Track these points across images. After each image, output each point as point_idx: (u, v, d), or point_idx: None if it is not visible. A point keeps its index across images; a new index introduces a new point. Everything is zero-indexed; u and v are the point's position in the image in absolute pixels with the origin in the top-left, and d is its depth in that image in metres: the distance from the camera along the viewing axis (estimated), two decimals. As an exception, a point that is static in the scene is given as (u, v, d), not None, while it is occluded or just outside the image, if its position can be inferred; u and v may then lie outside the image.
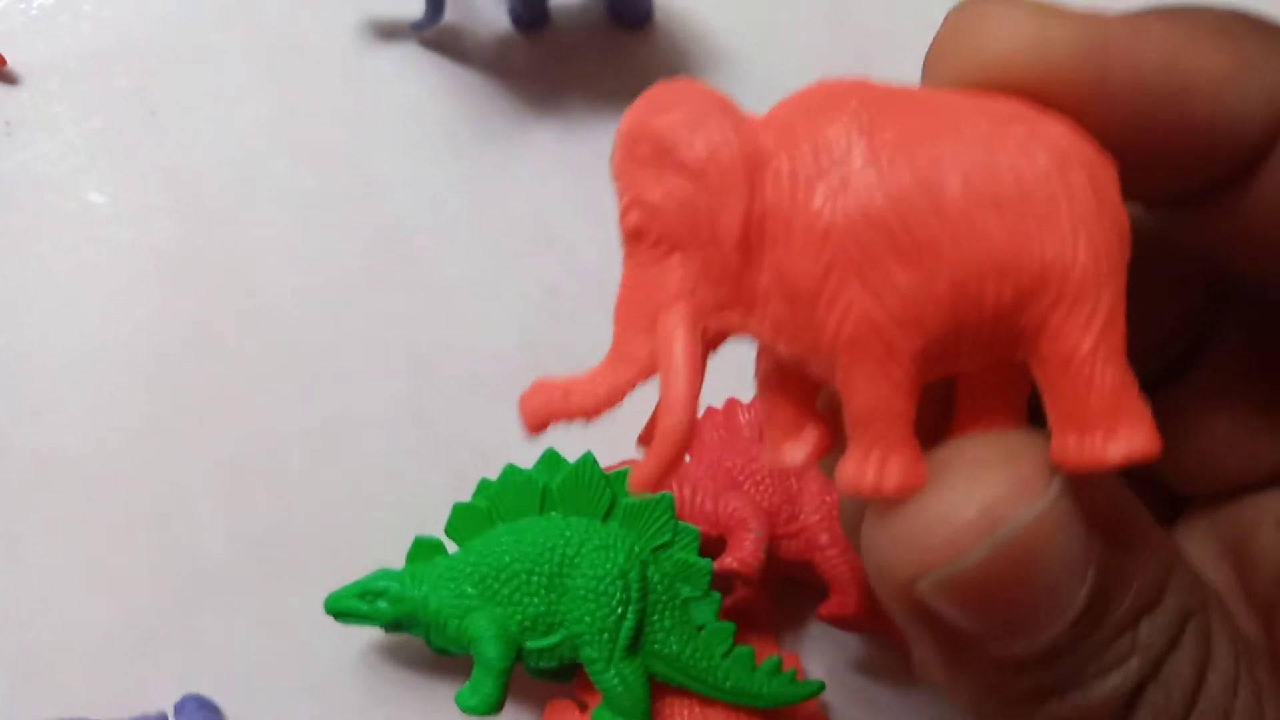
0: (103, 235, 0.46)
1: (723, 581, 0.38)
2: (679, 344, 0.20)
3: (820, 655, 0.39)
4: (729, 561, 0.38)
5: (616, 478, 0.38)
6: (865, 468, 0.20)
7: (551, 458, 0.38)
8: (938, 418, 0.22)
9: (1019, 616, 0.20)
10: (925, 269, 0.19)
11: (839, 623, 0.39)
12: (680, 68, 0.48)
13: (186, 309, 0.45)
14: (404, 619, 0.37)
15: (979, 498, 0.19)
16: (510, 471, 0.38)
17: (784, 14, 0.50)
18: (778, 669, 0.37)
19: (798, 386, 0.22)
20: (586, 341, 0.45)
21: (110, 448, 0.42)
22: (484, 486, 0.38)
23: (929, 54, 0.22)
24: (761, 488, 0.39)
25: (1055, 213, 0.19)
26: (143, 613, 0.40)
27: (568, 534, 0.37)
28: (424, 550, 0.38)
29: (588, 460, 0.38)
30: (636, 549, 0.37)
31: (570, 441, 0.38)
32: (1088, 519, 0.20)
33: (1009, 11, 0.21)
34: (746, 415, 0.41)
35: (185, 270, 0.45)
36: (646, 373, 0.21)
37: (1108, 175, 0.20)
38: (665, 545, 0.37)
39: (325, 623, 0.38)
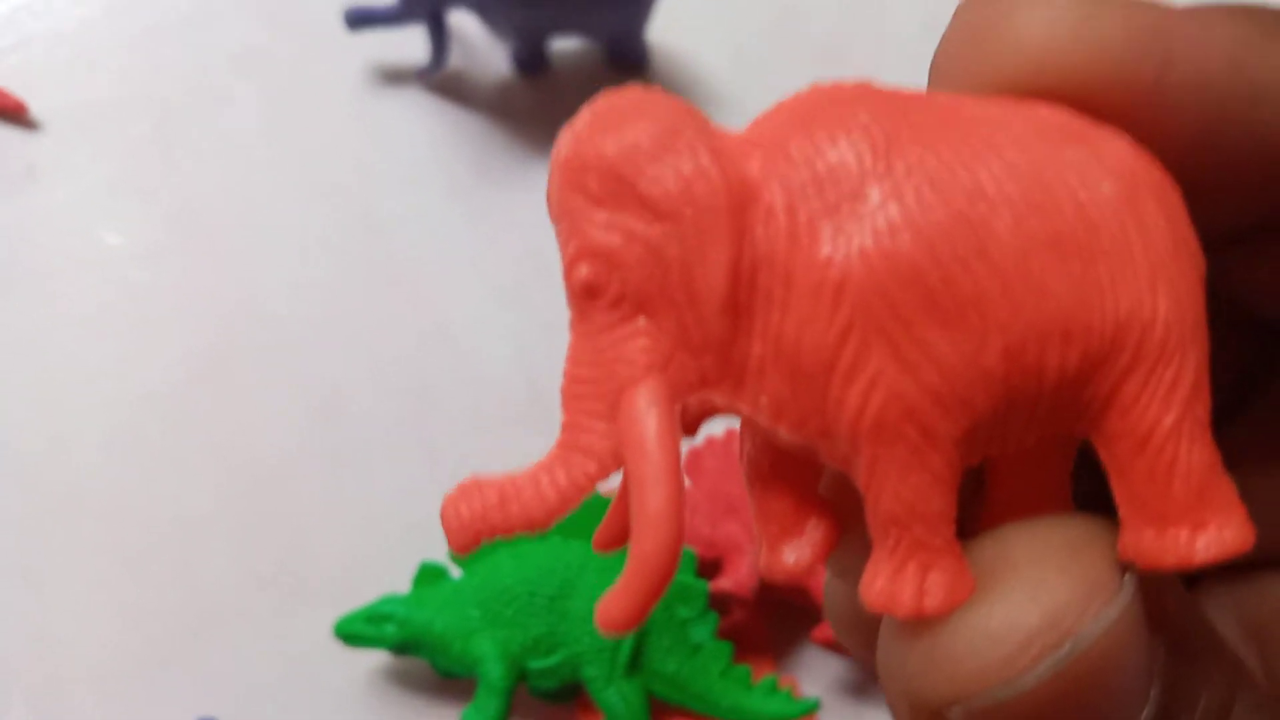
0: (119, 275, 0.47)
1: (719, 603, 0.39)
2: (652, 434, 0.15)
3: (815, 676, 0.40)
4: (725, 584, 0.39)
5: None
6: (900, 585, 0.16)
7: (552, 485, 0.40)
8: (966, 499, 0.17)
9: None
10: (971, 332, 0.15)
11: (833, 645, 0.40)
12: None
13: (199, 345, 0.46)
14: (410, 642, 0.38)
15: (1043, 605, 0.15)
16: (512, 498, 0.39)
17: (776, 55, 0.52)
18: (774, 688, 0.38)
19: (796, 471, 0.18)
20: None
21: (125, 479, 0.44)
22: (486, 513, 0.39)
23: (940, 51, 0.18)
24: (756, 512, 0.40)
25: (1129, 255, 0.16)
26: (157, 639, 0.41)
27: (567, 557, 0.38)
28: (429, 575, 0.39)
29: (587, 486, 0.39)
30: (635, 571, 0.38)
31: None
32: (1152, 625, 0.16)
33: None
34: (741, 442, 0.42)
35: (198, 308, 0.47)
36: (608, 469, 0.16)
37: (1179, 204, 0.16)
38: (663, 568, 0.39)
39: (333, 646, 0.39)
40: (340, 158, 0.49)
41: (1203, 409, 0.16)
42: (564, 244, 0.16)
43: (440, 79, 0.50)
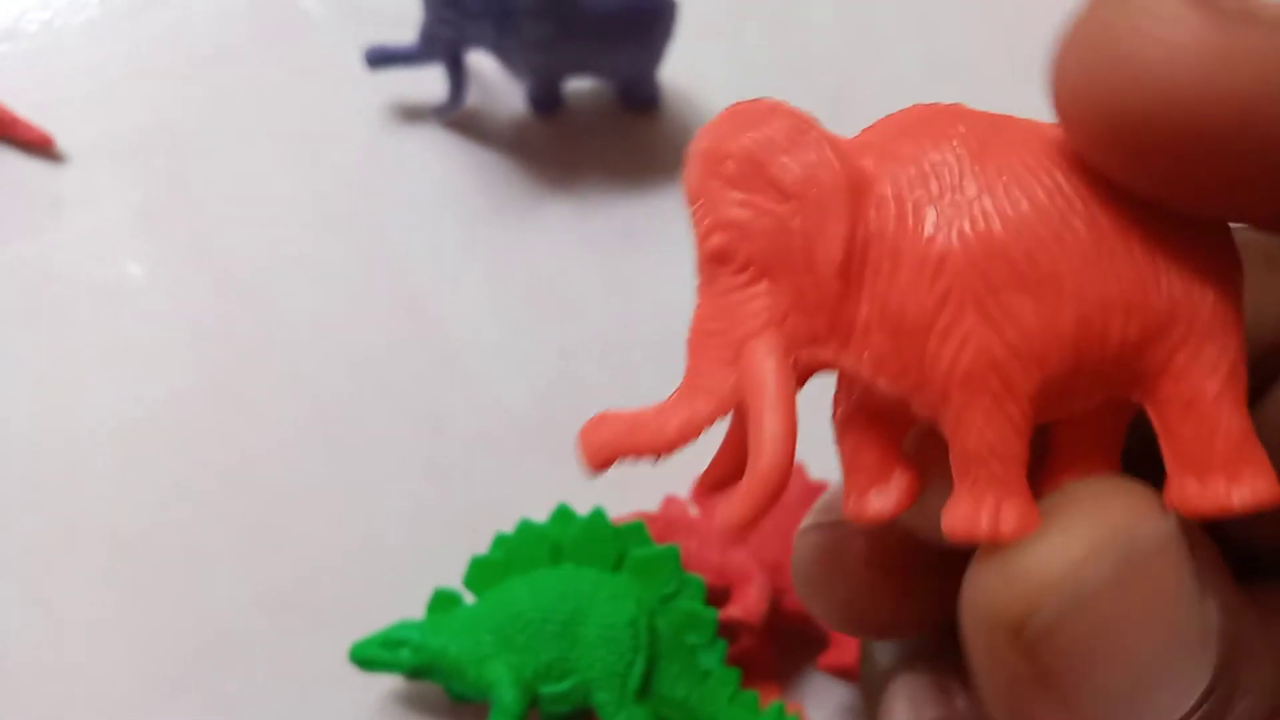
0: (140, 305, 0.48)
1: (728, 630, 0.40)
2: (771, 375, 0.18)
3: (821, 703, 0.41)
4: (734, 611, 0.40)
5: (626, 530, 0.40)
6: (979, 512, 0.18)
7: (564, 512, 0.40)
8: (1032, 467, 0.19)
9: (1143, 665, 0.18)
10: (1049, 302, 0.18)
11: (839, 672, 0.40)
12: (686, 145, 0.51)
13: (217, 374, 0.47)
14: (424, 667, 0.39)
15: (1103, 524, 0.18)
16: (525, 526, 0.40)
17: (783, 95, 0.53)
18: (781, 714, 0.39)
19: (885, 428, 0.20)
20: (596, 402, 0.47)
21: (141, 504, 0.45)
22: (500, 540, 0.40)
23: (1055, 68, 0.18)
24: (766, 542, 0.41)
25: (1182, 249, 0.19)
26: (170, 663, 0.42)
27: (580, 585, 0.39)
28: (443, 602, 0.40)
29: (598, 514, 0.40)
30: (645, 599, 0.39)
31: (581, 496, 0.41)
32: (1203, 580, 0.18)
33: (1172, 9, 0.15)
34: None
35: (216, 337, 0.48)
36: (726, 407, 0.19)
37: (1223, 226, 0.20)
38: (672, 596, 0.39)
39: (348, 672, 0.40)
40: (358, 191, 0.51)
41: (1240, 386, 0.19)
42: (699, 220, 0.19)
43: (457, 117, 0.52)
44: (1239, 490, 0.18)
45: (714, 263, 0.19)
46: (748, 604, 0.40)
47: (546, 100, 0.51)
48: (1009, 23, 0.52)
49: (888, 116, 0.20)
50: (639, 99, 0.51)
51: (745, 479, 0.18)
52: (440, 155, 0.51)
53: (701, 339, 0.19)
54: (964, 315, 0.18)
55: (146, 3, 0.54)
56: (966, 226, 0.18)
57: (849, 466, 0.20)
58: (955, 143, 0.19)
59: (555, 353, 0.48)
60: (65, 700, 0.41)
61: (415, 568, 0.43)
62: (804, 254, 0.19)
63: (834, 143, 0.19)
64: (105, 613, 0.43)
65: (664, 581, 0.39)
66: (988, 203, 0.18)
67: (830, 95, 0.53)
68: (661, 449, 0.19)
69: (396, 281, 0.49)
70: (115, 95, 0.53)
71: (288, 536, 0.44)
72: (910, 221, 0.18)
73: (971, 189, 0.18)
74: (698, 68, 0.53)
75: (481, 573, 0.40)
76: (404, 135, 0.51)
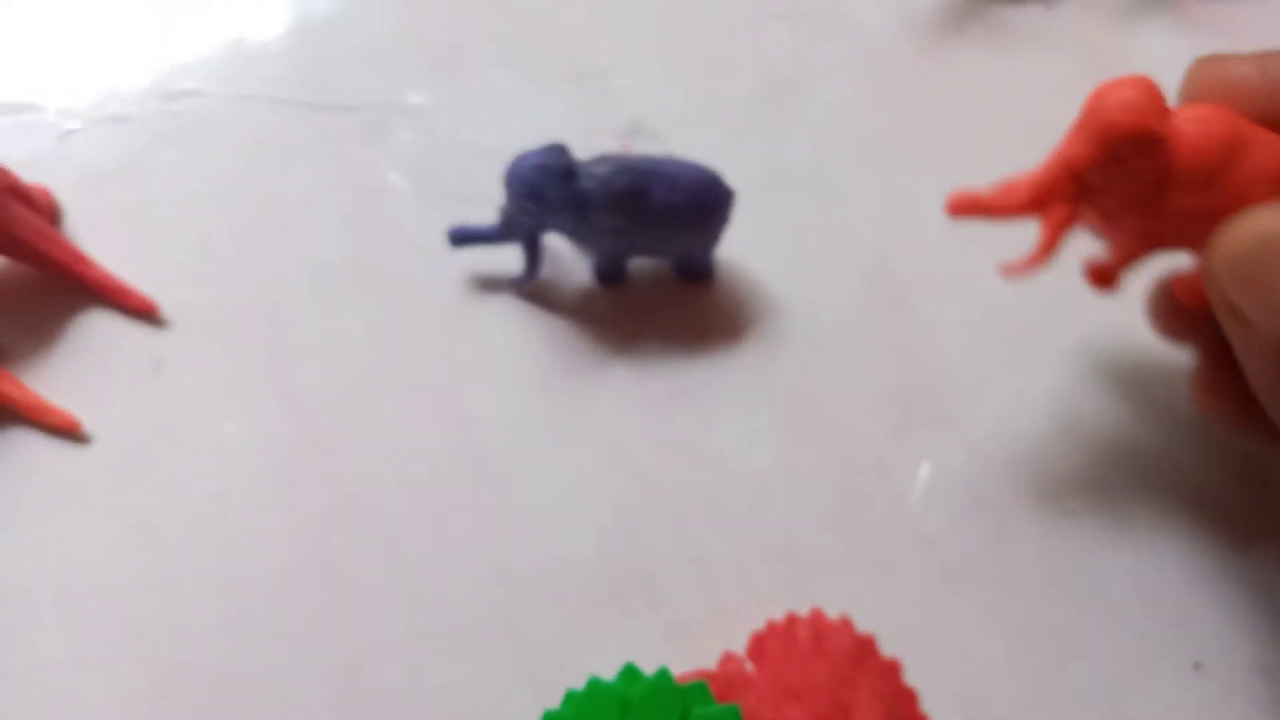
0: (234, 461, 0.52)
1: (784, 787, 0.42)
2: (1060, 218, 0.38)
3: None
4: (790, 769, 0.42)
5: (689, 690, 0.43)
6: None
7: (630, 671, 0.43)
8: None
9: None
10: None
11: (889, 827, 0.43)
12: (738, 315, 0.55)
13: (302, 527, 0.51)
14: (499, 818, 0.42)
15: None
16: (594, 683, 0.43)
17: (828, 267, 0.58)
18: None
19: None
20: (654, 555, 0.50)
21: (232, 651, 0.48)
22: (570, 697, 0.43)
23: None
24: (817, 697, 0.44)
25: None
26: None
27: (649, 742, 0.42)
28: (518, 754, 0.43)
29: (664, 673, 0.43)
30: (708, 756, 0.42)
31: (642, 649, 0.43)
32: None
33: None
34: (805, 630, 0.46)
35: (302, 491, 0.51)
36: (1033, 207, 0.39)
37: None
38: (733, 753, 0.42)
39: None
40: (435, 355, 0.55)
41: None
42: (1086, 142, 0.37)
43: (530, 287, 0.56)
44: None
45: (1074, 167, 0.38)
46: (803, 762, 0.42)
47: (612, 274, 0.55)
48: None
49: (1195, 109, 0.38)
50: (695, 272, 0.55)
51: (1030, 254, 0.39)
52: (513, 322, 0.55)
53: (1051, 173, 0.38)
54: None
55: (245, 181, 0.59)
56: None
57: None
58: (1231, 130, 0.37)
59: (614, 508, 0.51)
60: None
61: (487, 717, 0.46)
62: (1134, 171, 0.37)
63: (1168, 118, 0.37)
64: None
65: (725, 740, 0.42)
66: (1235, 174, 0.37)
67: (871, 261, 0.57)
68: (1004, 211, 0.39)
69: (468, 439, 0.53)
70: (214, 264, 0.57)
71: (365, 685, 0.47)
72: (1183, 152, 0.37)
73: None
74: (748, 242, 0.57)
75: (554, 728, 0.43)
76: (481, 304, 0.56)
